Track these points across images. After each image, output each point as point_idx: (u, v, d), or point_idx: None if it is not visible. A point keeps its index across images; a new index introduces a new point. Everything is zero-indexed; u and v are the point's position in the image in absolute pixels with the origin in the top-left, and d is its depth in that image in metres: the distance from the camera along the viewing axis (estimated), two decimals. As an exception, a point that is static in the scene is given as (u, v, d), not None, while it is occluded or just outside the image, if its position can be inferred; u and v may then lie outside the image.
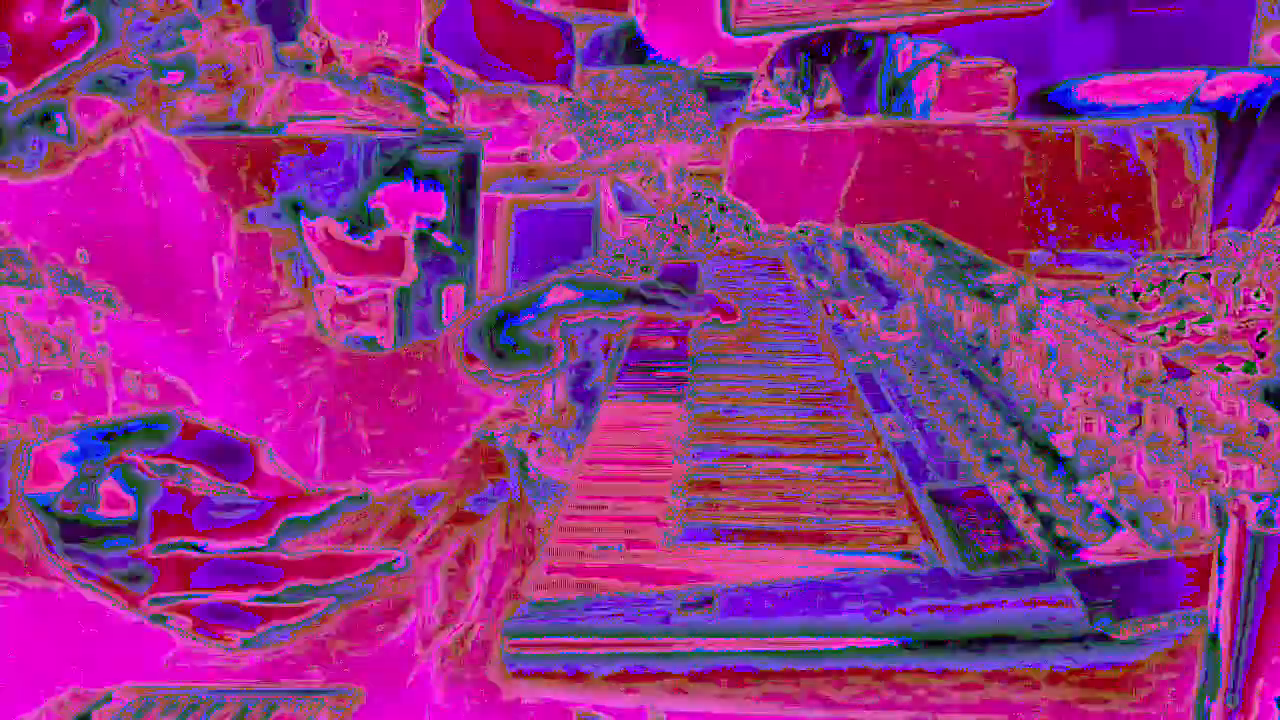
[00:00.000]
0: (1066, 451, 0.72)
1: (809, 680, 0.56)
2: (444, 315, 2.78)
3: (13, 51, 0.84)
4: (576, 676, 0.57)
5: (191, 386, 1.00)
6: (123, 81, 0.89)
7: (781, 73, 3.83)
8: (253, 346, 1.04)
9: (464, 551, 1.06)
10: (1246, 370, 2.09)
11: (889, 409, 0.85)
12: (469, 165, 2.82)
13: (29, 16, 0.83)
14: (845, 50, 3.82)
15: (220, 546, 0.70)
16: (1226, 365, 2.10)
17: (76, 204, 0.93)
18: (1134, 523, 0.61)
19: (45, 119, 0.88)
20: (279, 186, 2.49)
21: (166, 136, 0.99)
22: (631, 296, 0.94)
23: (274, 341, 1.05)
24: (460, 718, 1.02)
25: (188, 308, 1.00)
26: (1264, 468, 0.66)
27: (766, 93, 2.78)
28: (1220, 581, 0.47)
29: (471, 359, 0.96)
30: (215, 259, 1.02)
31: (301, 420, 1.05)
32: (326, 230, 2.60)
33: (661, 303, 0.95)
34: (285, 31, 2.59)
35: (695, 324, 0.98)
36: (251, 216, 1.05)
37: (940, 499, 0.66)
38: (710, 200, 3.07)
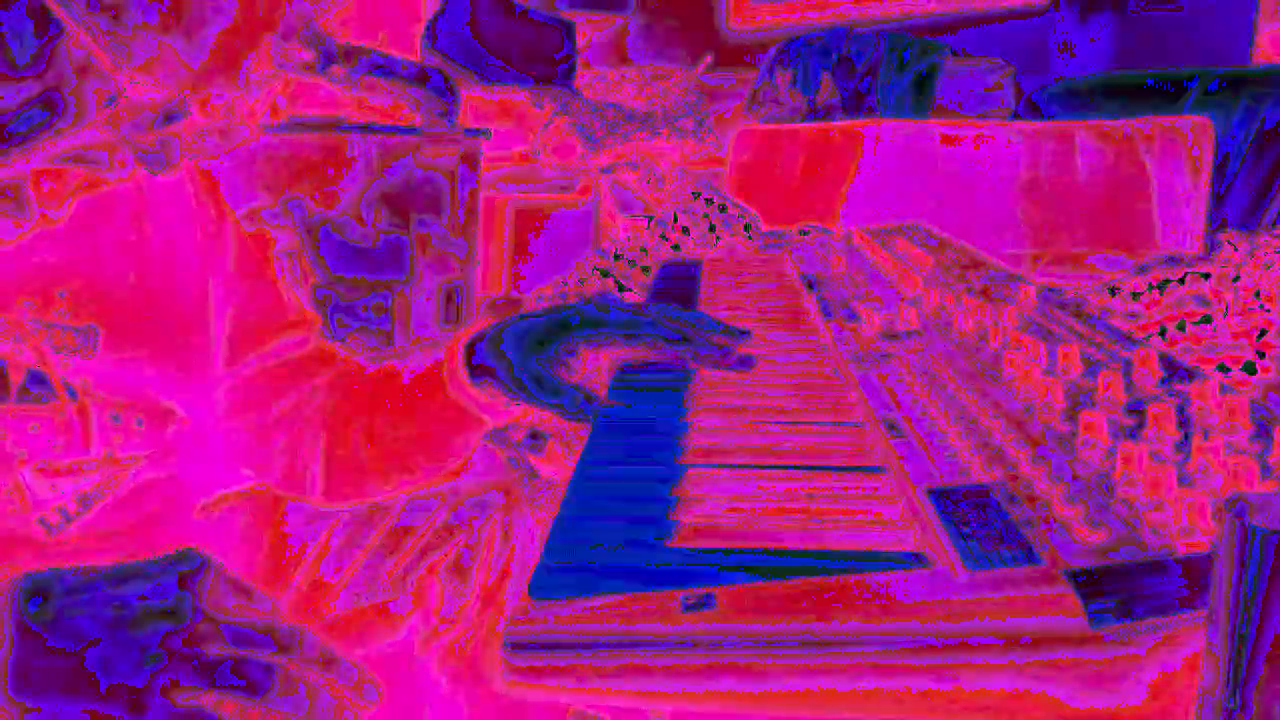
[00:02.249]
0: (1067, 452, 0.72)
1: (809, 680, 0.56)
2: (444, 316, 2.78)
3: None
4: (576, 676, 0.57)
5: (187, 414, 0.98)
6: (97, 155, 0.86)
7: (782, 73, 3.83)
8: (251, 368, 1.02)
9: (464, 552, 1.06)
10: (1246, 370, 2.09)
11: (889, 409, 0.85)
12: (469, 165, 2.81)
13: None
14: (845, 50, 3.82)
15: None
16: (1226, 365, 2.10)
17: (54, 245, 0.90)
18: (1134, 523, 0.61)
19: (7, 192, 0.86)
20: (267, 186, 2.48)
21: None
22: (654, 331, 0.93)
23: (273, 364, 1.02)
24: (460, 718, 1.02)
25: (181, 334, 0.97)
26: (1264, 468, 0.66)
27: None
28: (1220, 581, 0.47)
29: (480, 376, 0.93)
30: (210, 278, 0.99)
31: (301, 437, 1.04)
32: (328, 232, 2.60)
33: (680, 343, 0.94)
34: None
35: (705, 366, 0.97)
36: (249, 219, 1.03)
37: (940, 499, 0.66)
38: (710, 200, 3.07)
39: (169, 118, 0.85)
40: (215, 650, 0.65)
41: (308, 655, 0.68)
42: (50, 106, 0.82)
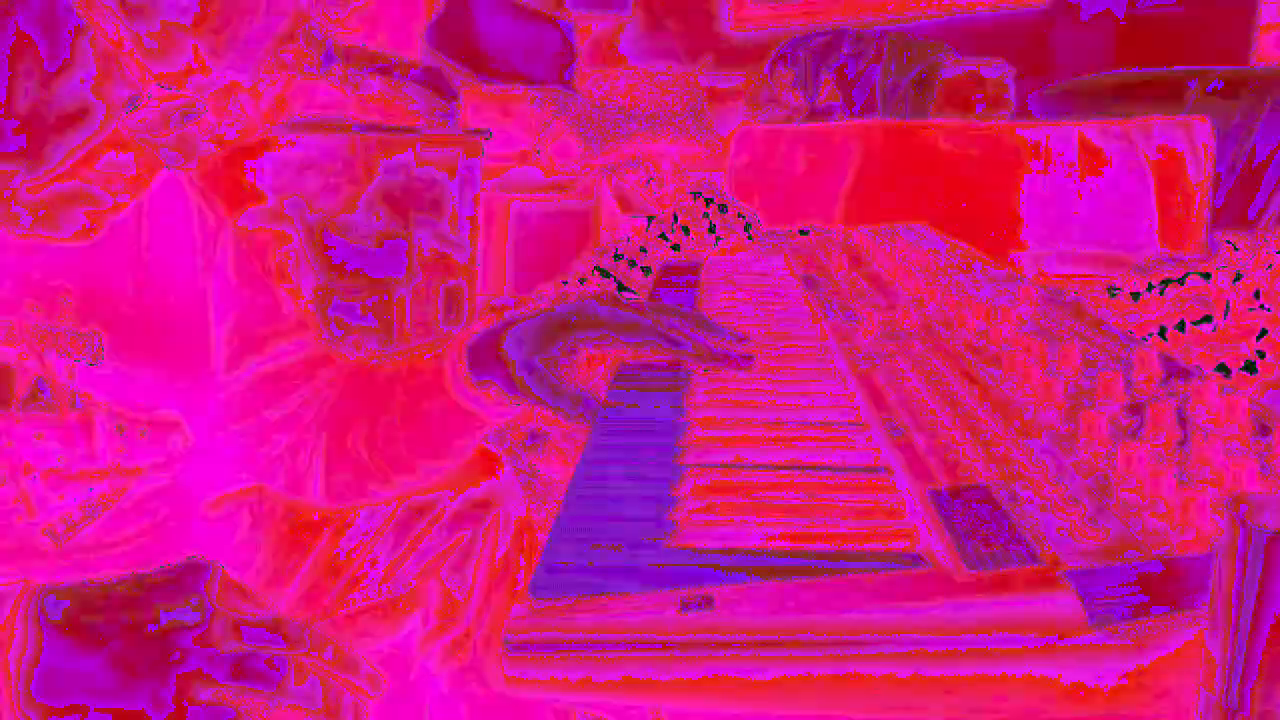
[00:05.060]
0: (1067, 452, 0.72)
1: (809, 680, 0.56)
2: (444, 316, 2.78)
3: (14, 135, 0.82)
4: (576, 677, 0.57)
5: (188, 419, 0.98)
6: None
7: (782, 73, 3.83)
8: (251, 373, 1.02)
9: (464, 551, 1.06)
10: (1246, 370, 2.09)
11: (889, 409, 0.85)
12: (469, 165, 2.82)
13: (24, 101, 0.82)
14: (845, 50, 3.82)
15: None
16: (1226, 365, 2.10)
17: (58, 250, 0.90)
18: (1134, 523, 0.61)
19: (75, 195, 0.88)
20: (268, 186, 2.48)
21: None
22: (654, 332, 0.93)
23: (272, 368, 1.02)
24: (460, 717, 1.02)
25: (181, 339, 0.97)
26: (1264, 468, 0.66)
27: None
28: (1220, 581, 0.47)
29: (481, 376, 0.93)
30: (209, 283, 0.99)
31: (303, 438, 1.04)
32: (328, 232, 2.60)
33: (680, 343, 0.94)
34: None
35: (704, 366, 0.97)
36: (249, 219, 1.03)
37: (940, 499, 0.66)
38: (710, 200, 3.07)
39: (186, 117, 0.86)
40: (230, 646, 0.66)
41: (315, 648, 0.69)
42: (78, 105, 0.82)
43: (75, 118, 0.84)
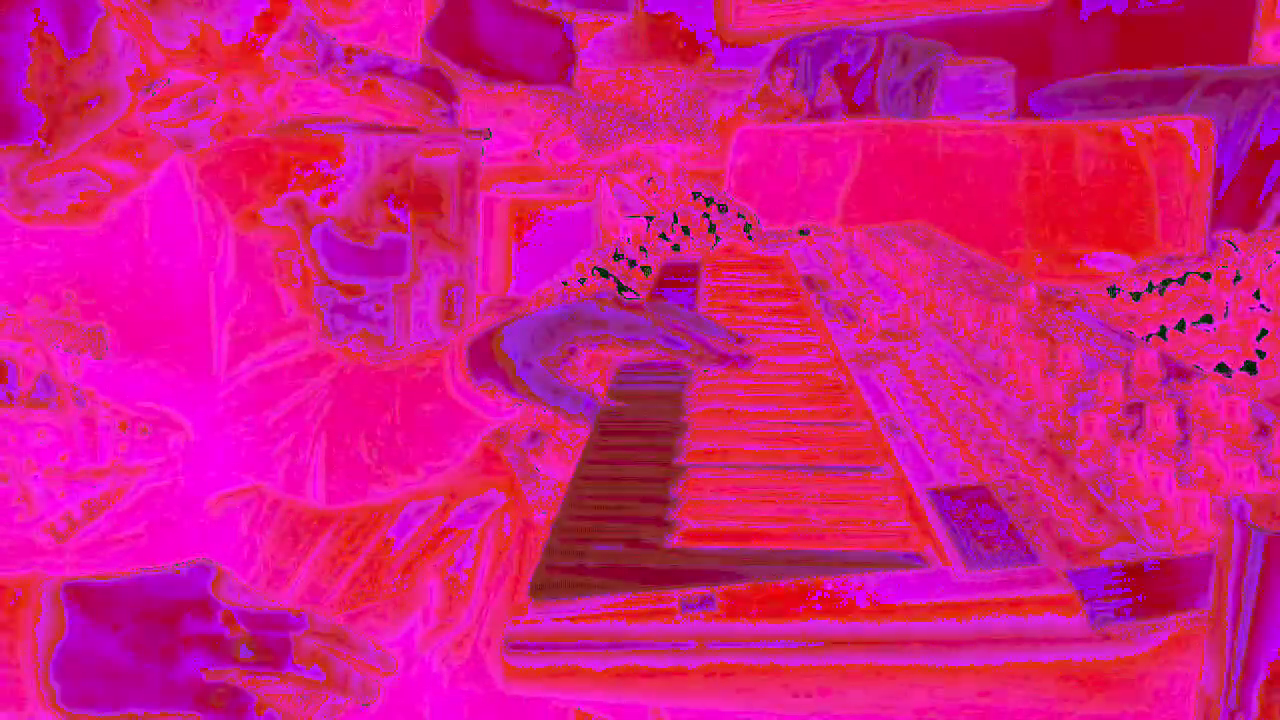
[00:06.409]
0: (1067, 452, 0.72)
1: (809, 680, 0.56)
2: (444, 316, 2.78)
3: (32, 120, 0.84)
4: (577, 676, 0.57)
5: (189, 418, 0.98)
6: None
7: (782, 73, 3.83)
8: (250, 372, 1.02)
9: (464, 551, 1.06)
10: (1246, 370, 2.09)
11: (889, 409, 0.85)
12: (469, 165, 2.81)
13: (42, 86, 0.84)
14: (845, 50, 3.82)
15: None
16: (1226, 365, 2.10)
17: (61, 244, 0.91)
18: (1134, 523, 0.61)
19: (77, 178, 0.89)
20: (269, 185, 2.48)
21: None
22: (653, 332, 0.94)
23: (271, 367, 1.02)
24: (460, 716, 1.02)
25: (182, 336, 0.98)
26: (1264, 468, 0.66)
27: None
28: (1220, 581, 0.47)
29: (481, 376, 0.93)
30: (210, 281, 0.99)
31: (302, 437, 1.04)
32: (328, 232, 2.60)
33: (680, 343, 0.94)
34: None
35: (704, 366, 0.97)
36: (249, 218, 1.03)
37: (940, 499, 0.66)
38: (710, 200, 3.07)
39: (199, 102, 0.88)
40: (236, 630, 0.69)
41: (320, 631, 0.70)
42: (95, 91, 0.84)
43: (91, 103, 0.85)
